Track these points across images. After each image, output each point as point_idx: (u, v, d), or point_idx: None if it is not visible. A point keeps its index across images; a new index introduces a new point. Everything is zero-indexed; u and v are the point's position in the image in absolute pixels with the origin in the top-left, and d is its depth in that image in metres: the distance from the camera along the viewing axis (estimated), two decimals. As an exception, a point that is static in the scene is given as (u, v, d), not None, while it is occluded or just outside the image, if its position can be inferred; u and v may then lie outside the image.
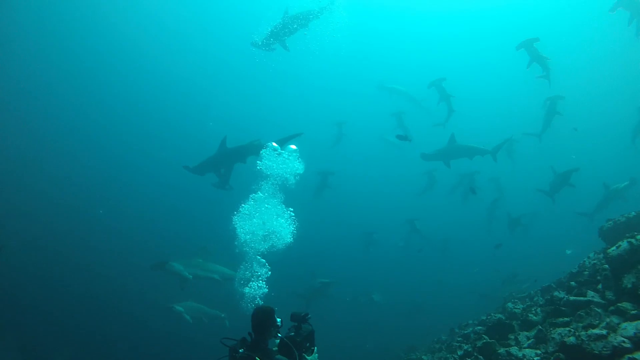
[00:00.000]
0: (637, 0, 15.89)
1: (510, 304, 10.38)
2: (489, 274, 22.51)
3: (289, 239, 7.53)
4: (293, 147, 8.69)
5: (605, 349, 6.00)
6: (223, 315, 16.31)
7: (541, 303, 9.24)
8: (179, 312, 15.21)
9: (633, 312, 6.50)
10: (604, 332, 6.20)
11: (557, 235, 26.49)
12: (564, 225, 25.81)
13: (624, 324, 6.34)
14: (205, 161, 13.18)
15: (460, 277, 25.14)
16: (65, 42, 29.53)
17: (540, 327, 7.61)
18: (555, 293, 8.61)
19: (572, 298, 7.96)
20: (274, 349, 4.71)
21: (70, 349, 15.04)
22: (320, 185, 20.93)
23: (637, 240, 7.44)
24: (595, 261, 8.82)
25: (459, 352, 8.31)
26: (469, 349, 8.02)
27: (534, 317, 8.36)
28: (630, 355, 5.73)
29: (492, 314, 10.16)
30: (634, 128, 19.65)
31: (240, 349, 4.35)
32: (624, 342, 5.91)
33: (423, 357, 10.17)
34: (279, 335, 4.68)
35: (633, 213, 9.11)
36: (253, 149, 12.30)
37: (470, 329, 10.20)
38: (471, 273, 24.66)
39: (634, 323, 6.16)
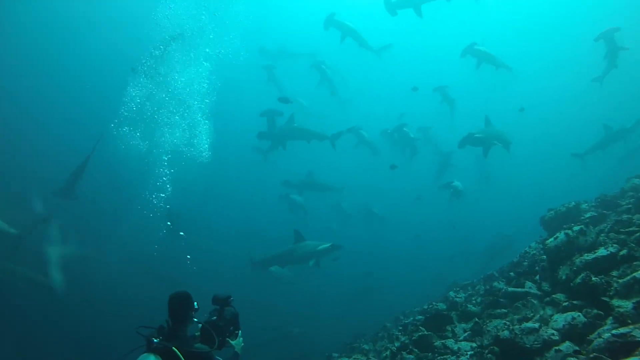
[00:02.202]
0: (615, 40, 15.90)
1: (452, 293, 10.33)
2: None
3: None
4: None
5: (536, 343, 5.92)
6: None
7: (482, 292, 9.19)
8: None
9: (565, 303, 6.44)
10: (537, 325, 6.13)
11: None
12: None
13: (555, 316, 6.30)
14: None
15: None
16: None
17: (477, 319, 7.52)
18: (495, 283, 8.57)
19: (510, 289, 7.91)
20: (196, 334, 4.31)
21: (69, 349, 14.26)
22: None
23: (573, 232, 7.42)
24: (535, 251, 8.81)
25: (396, 344, 8.14)
26: (406, 341, 7.86)
27: (473, 308, 8.29)
28: (557, 347, 5.67)
29: (434, 303, 10.07)
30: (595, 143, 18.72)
31: (156, 338, 3.95)
32: (553, 334, 5.85)
33: (364, 345, 9.99)
34: (197, 321, 4.27)
35: (573, 203, 9.14)
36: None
37: (411, 318, 10.10)
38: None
39: (564, 315, 6.10)
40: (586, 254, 6.87)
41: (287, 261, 13.00)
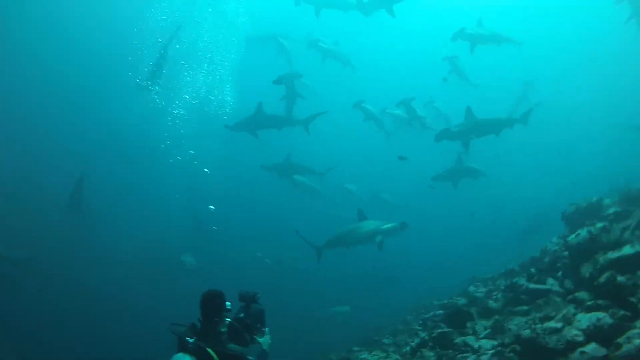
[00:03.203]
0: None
1: (472, 287, 10.32)
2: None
3: None
4: None
5: (559, 343, 5.89)
6: None
7: (502, 288, 9.14)
8: None
9: (589, 302, 6.37)
10: (559, 325, 6.09)
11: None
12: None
13: (579, 315, 6.23)
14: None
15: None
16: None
17: (497, 316, 7.50)
18: (516, 279, 8.50)
19: (531, 286, 7.85)
20: (222, 329, 4.27)
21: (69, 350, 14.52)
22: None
23: (596, 229, 7.31)
24: (556, 247, 8.71)
25: (416, 340, 8.17)
26: (426, 337, 7.89)
27: (494, 304, 8.26)
28: (582, 349, 5.63)
29: (454, 298, 10.09)
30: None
31: (189, 337, 3.94)
32: (577, 335, 5.80)
33: (384, 339, 10.05)
34: (227, 319, 4.26)
35: (595, 198, 8.99)
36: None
37: (431, 313, 10.11)
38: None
39: (588, 315, 6.04)
40: (610, 252, 6.78)
41: (351, 240, 12.62)
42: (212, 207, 18.08)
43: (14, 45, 25.87)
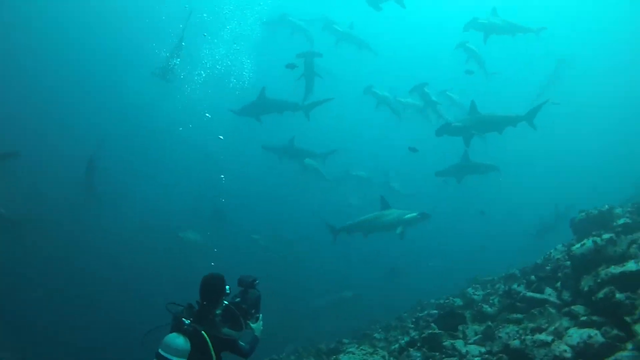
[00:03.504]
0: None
1: (470, 289, 10.06)
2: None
3: None
4: None
5: (546, 357, 5.65)
6: None
7: (500, 292, 8.86)
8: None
9: (583, 317, 6.09)
10: (550, 338, 5.84)
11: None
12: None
13: (571, 330, 5.97)
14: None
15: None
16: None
17: (490, 323, 7.24)
18: (514, 285, 8.21)
19: (528, 294, 7.56)
20: (217, 311, 4.29)
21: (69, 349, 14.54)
22: None
23: (602, 240, 6.95)
24: (560, 255, 8.36)
25: (406, 338, 7.99)
26: (416, 337, 7.68)
27: (489, 309, 8.00)
28: (569, 366, 5.39)
29: (451, 298, 9.84)
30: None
31: (185, 318, 3.99)
32: (565, 351, 5.56)
33: (376, 334, 9.89)
34: (225, 302, 4.31)
35: (607, 206, 8.58)
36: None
37: (426, 311, 9.89)
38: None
39: (580, 331, 5.77)
40: (613, 266, 6.43)
41: (373, 228, 12.46)
42: (222, 176, 18.28)
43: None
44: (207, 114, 15.07)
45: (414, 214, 11.73)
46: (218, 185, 18.70)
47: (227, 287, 4.29)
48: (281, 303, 14.38)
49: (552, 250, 8.93)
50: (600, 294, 6.05)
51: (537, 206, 22.16)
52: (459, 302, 9.46)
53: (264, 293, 4.73)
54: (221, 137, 14.77)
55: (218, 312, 4.21)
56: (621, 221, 7.96)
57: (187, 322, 3.93)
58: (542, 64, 25.95)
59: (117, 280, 16.69)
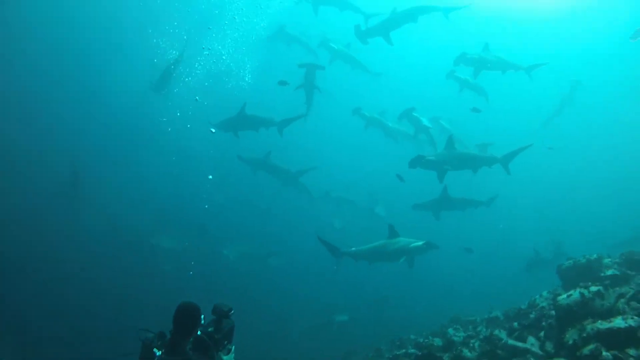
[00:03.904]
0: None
1: (451, 330, 9.74)
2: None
3: None
4: None
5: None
6: None
7: (482, 336, 8.53)
8: None
9: (567, 374, 5.80)
10: (529, 395, 5.52)
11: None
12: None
13: (553, 387, 5.66)
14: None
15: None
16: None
17: (468, 370, 6.91)
18: (496, 331, 7.90)
19: (510, 342, 7.27)
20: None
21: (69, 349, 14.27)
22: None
23: (589, 292, 6.70)
24: (545, 304, 8.08)
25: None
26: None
27: (468, 354, 7.68)
28: None
29: (431, 338, 9.49)
30: None
31: (156, 347, 3.83)
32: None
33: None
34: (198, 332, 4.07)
35: (595, 255, 8.35)
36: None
37: (403, 350, 9.52)
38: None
39: (563, 390, 5.46)
40: (600, 321, 6.18)
41: (378, 256, 11.99)
42: (210, 176, 18.17)
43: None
44: (211, 129, 14.88)
45: (419, 243, 11.34)
46: (202, 189, 18.36)
47: (202, 316, 4.08)
48: (255, 325, 13.94)
49: (537, 297, 8.64)
50: (586, 350, 5.78)
51: (529, 238, 21.85)
52: (438, 342, 9.10)
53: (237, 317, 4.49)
54: (213, 130, 14.66)
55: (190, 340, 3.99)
56: (609, 272, 7.74)
57: (158, 353, 3.77)
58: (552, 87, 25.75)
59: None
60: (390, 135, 17.84)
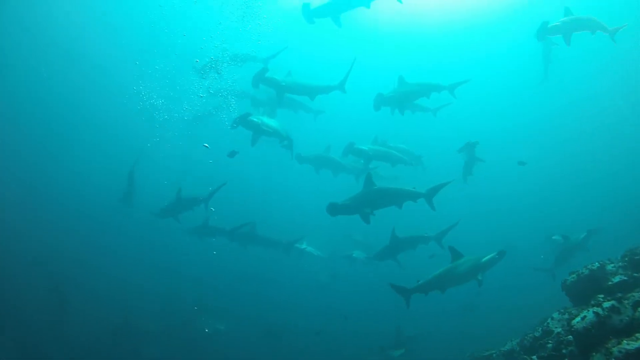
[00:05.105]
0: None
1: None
2: None
3: None
4: None
5: None
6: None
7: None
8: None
9: (607, 411, 5.17)
10: None
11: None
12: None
13: None
14: None
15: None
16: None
17: None
18: (516, 369, 7.24)
19: (535, 381, 6.61)
20: None
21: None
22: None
23: (604, 309, 6.18)
24: (559, 328, 7.50)
25: None
26: None
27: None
28: None
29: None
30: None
31: None
32: None
33: None
34: None
35: (597, 264, 7.89)
36: None
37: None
38: None
39: None
40: (625, 341, 5.62)
41: (449, 282, 11.23)
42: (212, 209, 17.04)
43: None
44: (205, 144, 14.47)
45: (492, 255, 10.69)
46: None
47: None
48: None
49: (549, 320, 8.06)
50: (621, 381, 5.18)
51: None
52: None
53: None
54: (206, 145, 14.13)
55: None
56: (616, 279, 7.26)
57: None
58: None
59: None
60: (348, 171, 16.74)
